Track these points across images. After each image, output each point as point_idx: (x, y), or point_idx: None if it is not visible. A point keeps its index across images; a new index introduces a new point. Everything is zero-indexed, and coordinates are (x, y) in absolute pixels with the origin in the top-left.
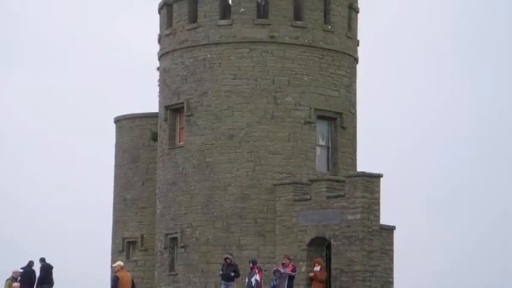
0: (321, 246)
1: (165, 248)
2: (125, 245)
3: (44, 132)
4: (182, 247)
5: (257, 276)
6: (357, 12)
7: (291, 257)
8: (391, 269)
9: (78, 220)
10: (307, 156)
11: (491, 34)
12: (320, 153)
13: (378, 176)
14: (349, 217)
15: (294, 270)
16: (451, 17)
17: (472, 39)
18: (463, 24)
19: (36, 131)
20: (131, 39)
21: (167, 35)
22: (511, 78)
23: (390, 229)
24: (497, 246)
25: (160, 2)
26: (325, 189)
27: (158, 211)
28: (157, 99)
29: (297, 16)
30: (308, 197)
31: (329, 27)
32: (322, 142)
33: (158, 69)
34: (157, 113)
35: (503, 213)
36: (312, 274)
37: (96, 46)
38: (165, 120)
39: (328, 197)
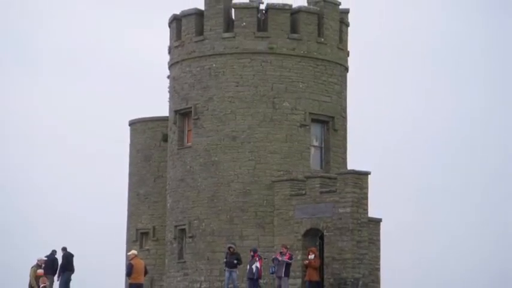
0: (315, 236)
1: (174, 238)
2: (139, 236)
3: (65, 133)
4: (190, 237)
5: (257, 264)
6: (348, 26)
7: (288, 246)
8: (378, 257)
9: (96, 213)
10: (302, 156)
11: (473, 43)
12: (314, 153)
13: (366, 173)
14: (340, 210)
15: (290, 258)
16: (434, 30)
17: (450, 49)
18: (444, 36)
19: (58, 131)
20: (144, 50)
21: (176, 47)
22: (486, 84)
23: (377, 221)
24: (479, 239)
25: (170, 17)
26: (318, 185)
27: (168, 205)
28: (167, 104)
29: (294, 29)
30: (303, 192)
31: (322, 39)
32: (316, 143)
33: (168, 77)
34: (167, 117)
35: (484, 207)
36: (306, 262)
37: (113, 57)
38: (175, 123)
39: (321, 192)
